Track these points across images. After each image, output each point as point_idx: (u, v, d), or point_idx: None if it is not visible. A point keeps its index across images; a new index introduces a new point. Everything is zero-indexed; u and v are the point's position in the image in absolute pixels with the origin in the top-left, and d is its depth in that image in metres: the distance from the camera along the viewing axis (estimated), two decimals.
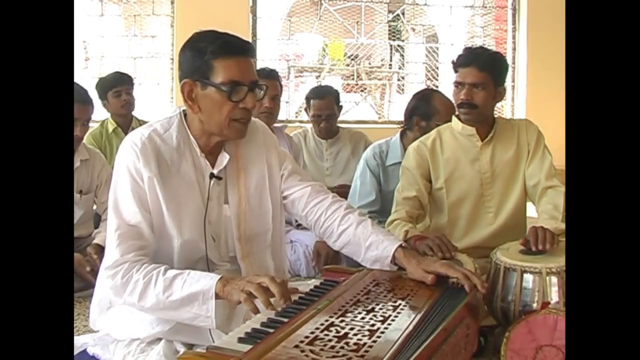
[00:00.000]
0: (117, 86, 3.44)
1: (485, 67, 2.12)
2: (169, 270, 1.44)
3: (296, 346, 1.05)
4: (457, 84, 2.17)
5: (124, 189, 1.50)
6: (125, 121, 3.51)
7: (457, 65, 2.18)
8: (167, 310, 1.42)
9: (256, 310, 1.32)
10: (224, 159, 1.60)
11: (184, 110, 1.60)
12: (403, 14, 6.82)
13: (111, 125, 3.47)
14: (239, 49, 1.50)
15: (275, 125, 2.92)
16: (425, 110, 2.74)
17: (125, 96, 3.44)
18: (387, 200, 2.78)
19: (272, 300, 1.30)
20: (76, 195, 2.66)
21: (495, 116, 2.31)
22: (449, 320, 1.26)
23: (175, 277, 1.42)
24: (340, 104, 3.50)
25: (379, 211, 2.75)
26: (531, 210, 2.29)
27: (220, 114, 1.50)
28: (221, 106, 1.49)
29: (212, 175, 1.57)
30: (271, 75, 2.83)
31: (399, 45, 7.56)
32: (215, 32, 1.52)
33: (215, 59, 1.47)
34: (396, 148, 2.85)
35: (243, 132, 1.56)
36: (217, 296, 1.38)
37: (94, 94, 2.68)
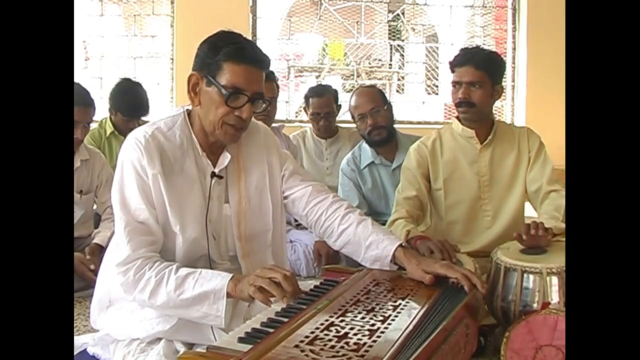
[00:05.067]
0: (129, 116, 3.29)
1: (481, 66, 2.13)
2: (181, 268, 1.45)
3: (296, 346, 1.05)
4: (455, 84, 2.18)
5: (130, 186, 1.50)
6: (124, 130, 3.43)
7: (454, 65, 2.18)
8: (177, 308, 1.43)
9: (267, 301, 1.32)
10: (225, 158, 1.60)
11: (188, 110, 1.61)
12: (403, 13, 6.83)
13: (109, 129, 3.43)
14: (251, 58, 1.50)
15: (273, 125, 2.93)
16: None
17: (132, 125, 3.25)
18: (370, 202, 2.91)
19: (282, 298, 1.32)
20: (76, 195, 2.66)
21: (496, 119, 2.31)
22: (449, 320, 1.26)
23: (187, 276, 1.43)
24: (339, 102, 3.51)
25: (367, 214, 2.78)
26: (530, 212, 2.29)
27: (215, 114, 1.51)
28: (217, 107, 1.50)
29: (213, 174, 1.58)
30: (268, 77, 2.82)
31: (399, 45, 7.56)
32: (239, 36, 1.53)
33: (226, 61, 1.47)
34: (366, 149, 2.90)
35: (235, 137, 1.56)
36: (228, 295, 1.39)
37: (94, 95, 2.67)
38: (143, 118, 3.50)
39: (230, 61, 1.47)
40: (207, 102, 1.52)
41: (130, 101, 3.30)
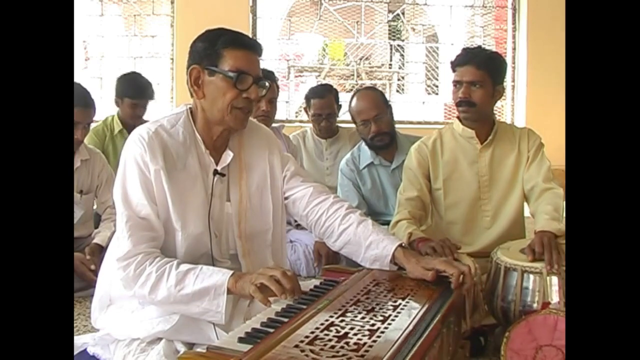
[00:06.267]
0: (136, 99, 3.38)
1: (483, 65, 2.13)
2: (182, 264, 1.46)
3: (296, 346, 1.05)
4: (456, 83, 2.18)
5: (133, 181, 1.51)
6: (131, 126, 3.47)
7: (455, 64, 2.18)
8: (177, 304, 1.43)
9: (265, 301, 1.33)
10: (227, 156, 1.61)
11: (190, 107, 1.63)
12: (403, 13, 6.84)
13: (117, 127, 3.44)
14: (248, 43, 1.57)
15: (273, 125, 2.92)
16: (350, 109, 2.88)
17: (140, 110, 3.39)
18: (370, 202, 2.91)
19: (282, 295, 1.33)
20: (76, 195, 2.66)
21: (497, 120, 2.31)
22: (437, 319, 1.27)
23: (188, 272, 1.43)
24: (340, 103, 3.51)
25: (367, 214, 2.78)
26: (529, 213, 2.29)
27: (223, 100, 1.53)
28: (225, 93, 1.53)
29: (215, 172, 1.58)
30: (268, 77, 2.82)
31: (399, 45, 7.56)
32: (228, 29, 1.58)
33: (225, 49, 1.52)
34: (365, 150, 2.90)
35: (244, 121, 1.59)
36: (229, 291, 1.40)
37: (94, 95, 2.67)
38: (145, 117, 3.51)
39: (230, 48, 1.52)
40: (213, 91, 1.54)
41: (136, 84, 3.40)
